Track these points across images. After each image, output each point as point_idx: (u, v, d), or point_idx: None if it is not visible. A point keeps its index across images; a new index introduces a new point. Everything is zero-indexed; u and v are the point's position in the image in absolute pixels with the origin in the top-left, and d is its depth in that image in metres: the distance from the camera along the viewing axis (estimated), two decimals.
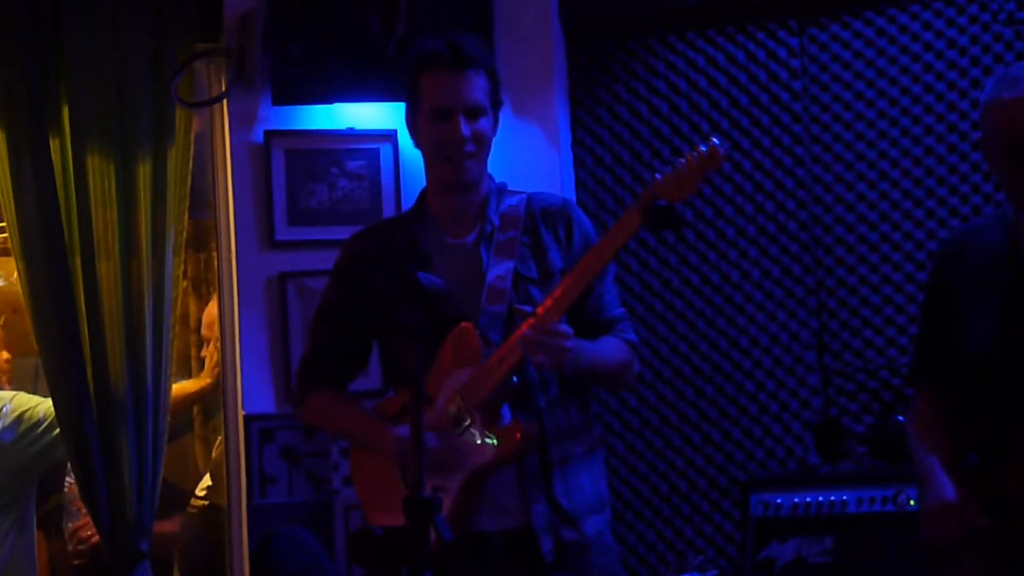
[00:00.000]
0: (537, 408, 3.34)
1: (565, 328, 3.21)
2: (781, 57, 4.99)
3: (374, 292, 3.45)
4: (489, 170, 3.49)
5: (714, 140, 3.11)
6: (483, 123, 3.37)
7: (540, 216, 3.45)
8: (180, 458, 5.74)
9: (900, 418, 4.45)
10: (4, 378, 5.38)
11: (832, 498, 4.39)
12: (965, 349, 3.25)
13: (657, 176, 3.14)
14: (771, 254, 4.98)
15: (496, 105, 3.42)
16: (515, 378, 3.27)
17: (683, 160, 3.12)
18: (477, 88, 3.36)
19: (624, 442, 5.06)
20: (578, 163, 5.14)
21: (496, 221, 3.42)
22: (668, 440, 5.04)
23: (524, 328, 3.18)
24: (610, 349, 3.42)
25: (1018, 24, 4.71)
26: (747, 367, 4.98)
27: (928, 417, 3.38)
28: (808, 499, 4.42)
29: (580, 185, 5.12)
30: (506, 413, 3.29)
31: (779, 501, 4.45)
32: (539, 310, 3.21)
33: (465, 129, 3.33)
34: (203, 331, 5.64)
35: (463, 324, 3.32)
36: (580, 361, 3.26)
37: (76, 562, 5.43)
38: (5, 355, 5.41)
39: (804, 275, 4.95)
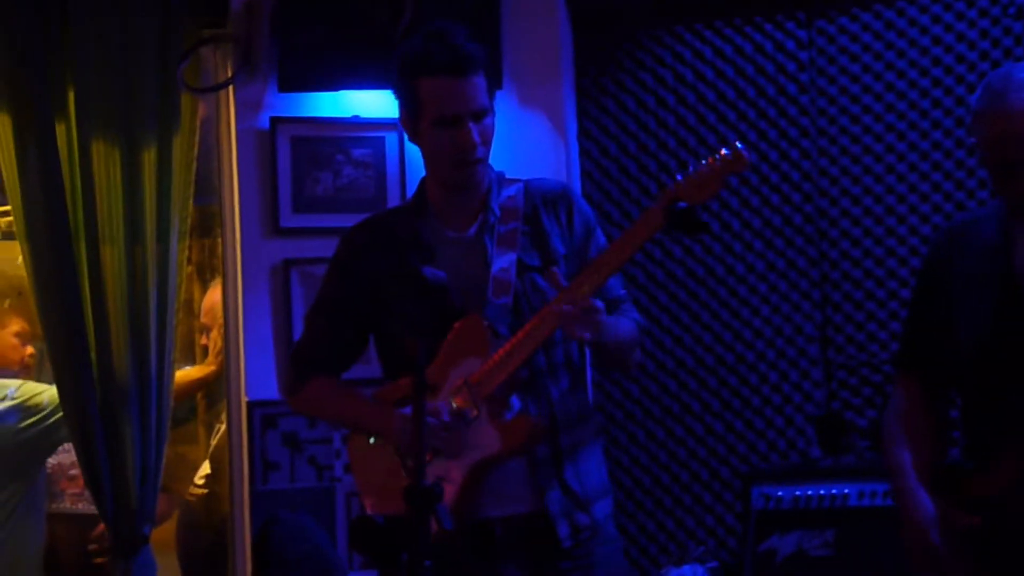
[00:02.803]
0: (548, 397, 3.33)
1: (597, 301, 3.18)
2: (789, 49, 4.98)
3: (375, 285, 3.42)
4: (492, 161, 3.46)
5: (738, 144, 3.07)
6: (488, 122, 3.33)
7: (540, 203, 3.43)
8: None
9: None
10: (30, 373, 5.41)
11: (834, 491, 4.41)
12: (957, 337, 3.24)
13: (678, 177, 3.10)
14: (776, 246, 4.98)
15: (494, 96, 3.37)
16: (524, 370, 3.27)
17: (705, 162, 3.09)
18: (480, 90, 3.30)
19: (626, 432, 5.06)
20: (584, 153, 5.12)
21: (497, 212, 3.40)
22: (670, 431, 5.04)
23: (557, 303, 3.14)
24: (623, 326, 3.40)
25: None
26: (750, 359, 4.98)
27: (909, 410, 3.35)
28: (810, 492, 4.43)
29: (586, 175, 5.11)
30: (515, 403, 3.28)
31: (780, 494, 4.46)
32: (569, 287, 3.17)
33: (475, 135, 3.30)
34: (202, 318, 5.64)
35: (472, 315, 3.30)
36: (604, 334, 3.23)
37: (97, 561, 5.42)
38: (29, 350, 5.44)
39: (809, 268, 4.94)
